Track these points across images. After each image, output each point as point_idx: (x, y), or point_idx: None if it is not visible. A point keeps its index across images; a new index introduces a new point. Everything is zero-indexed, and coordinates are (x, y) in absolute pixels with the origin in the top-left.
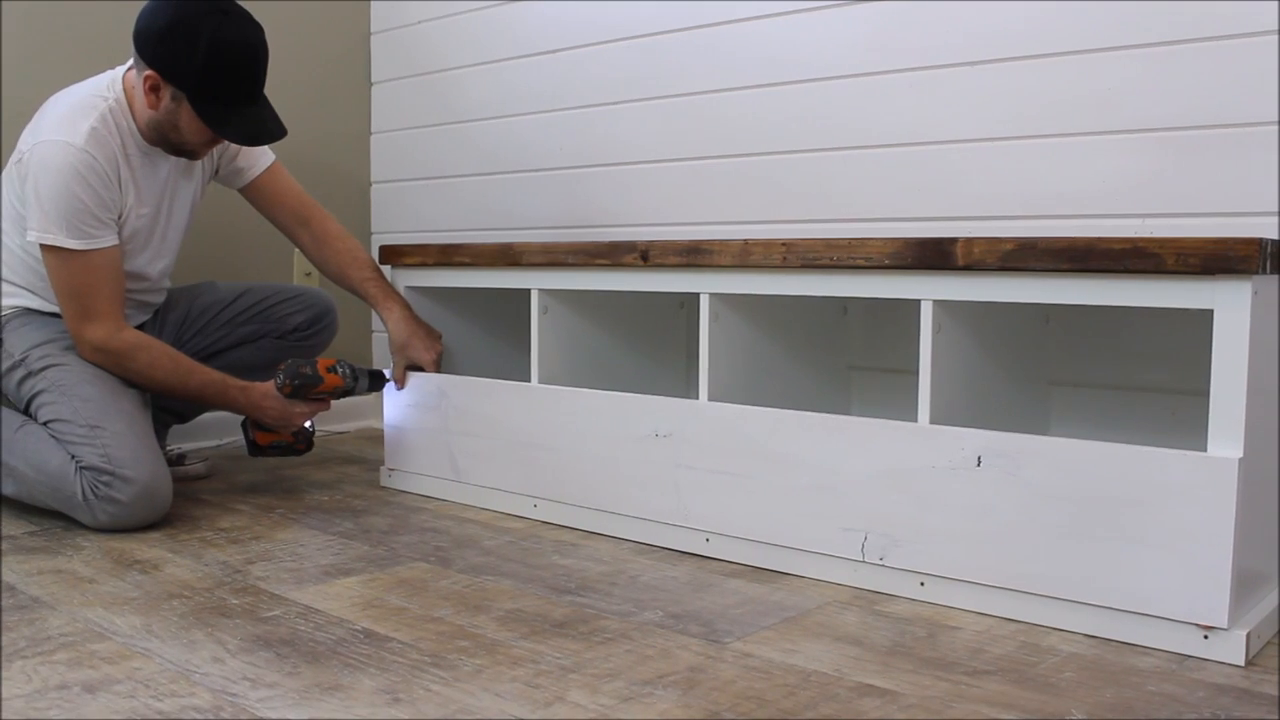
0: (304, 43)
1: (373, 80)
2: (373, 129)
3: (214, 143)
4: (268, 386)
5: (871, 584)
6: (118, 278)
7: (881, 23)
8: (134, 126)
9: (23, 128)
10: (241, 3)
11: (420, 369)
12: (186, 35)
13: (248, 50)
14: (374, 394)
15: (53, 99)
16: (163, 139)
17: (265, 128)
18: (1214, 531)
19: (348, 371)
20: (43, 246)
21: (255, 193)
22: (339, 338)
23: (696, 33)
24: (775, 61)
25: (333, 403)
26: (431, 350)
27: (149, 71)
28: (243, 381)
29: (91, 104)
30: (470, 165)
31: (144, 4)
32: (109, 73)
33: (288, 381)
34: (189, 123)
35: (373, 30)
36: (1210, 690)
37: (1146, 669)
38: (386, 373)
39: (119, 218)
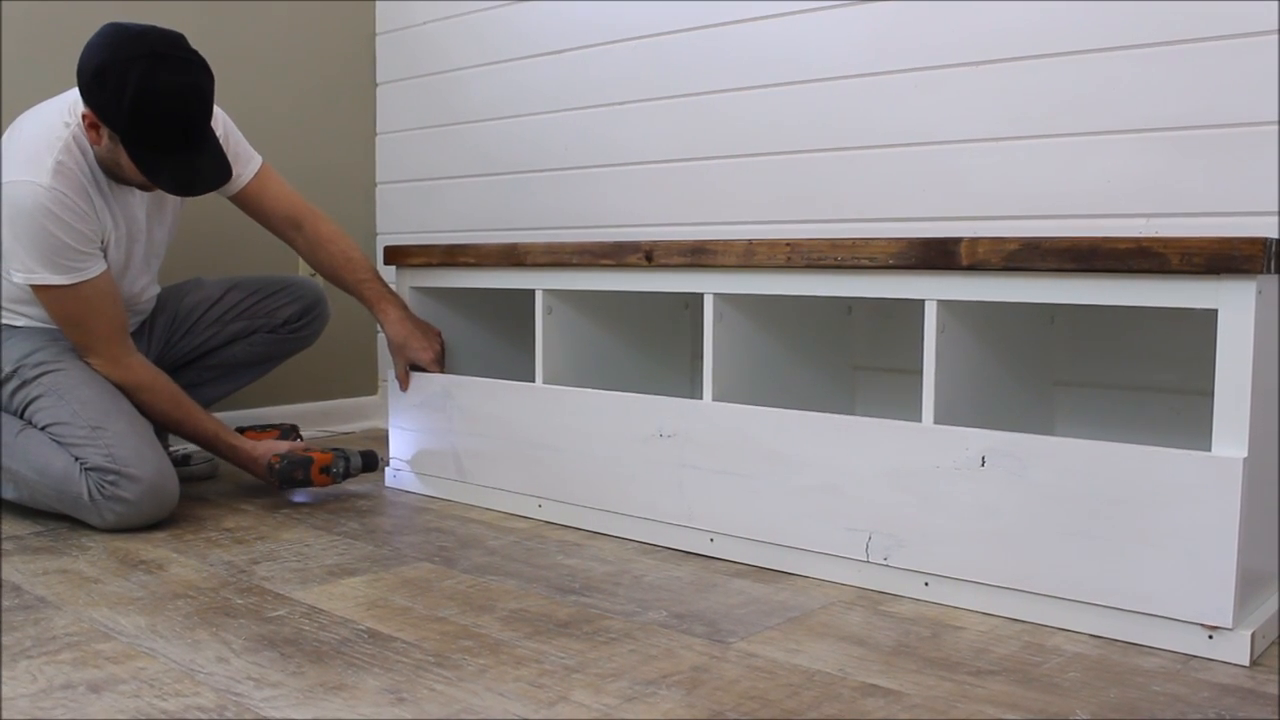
0: (309, 44)
1: (378, 81)
2: (378, 129)
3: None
4: (257, 454)
5: (876, 584)
6: (113, 304)
7: (886, 23)
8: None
9: None
10: (249, 4)
11: (421, 368)
12: (115, 81)
13: (178, 97)
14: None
15: (16, 125)
16: (111, 174)
17: (200, 176)
18: (1219, 531)
19: (341, 471)
20: (32, 286)
21: (245, 200)
22: (343, 335)
23: (700, 33)
24: (779, 62)
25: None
26: (429, 349)
27: (85, 110)
28: (234, 439)
29: (55, 134)
30: (475, 166)
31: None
32: (72, 93)
33: (277, 481)
34: (129, 163)
35: (378, 31)
36: (1215, 690)
37: (1151, 669)
38: (385, 454)
39: (101, 244)
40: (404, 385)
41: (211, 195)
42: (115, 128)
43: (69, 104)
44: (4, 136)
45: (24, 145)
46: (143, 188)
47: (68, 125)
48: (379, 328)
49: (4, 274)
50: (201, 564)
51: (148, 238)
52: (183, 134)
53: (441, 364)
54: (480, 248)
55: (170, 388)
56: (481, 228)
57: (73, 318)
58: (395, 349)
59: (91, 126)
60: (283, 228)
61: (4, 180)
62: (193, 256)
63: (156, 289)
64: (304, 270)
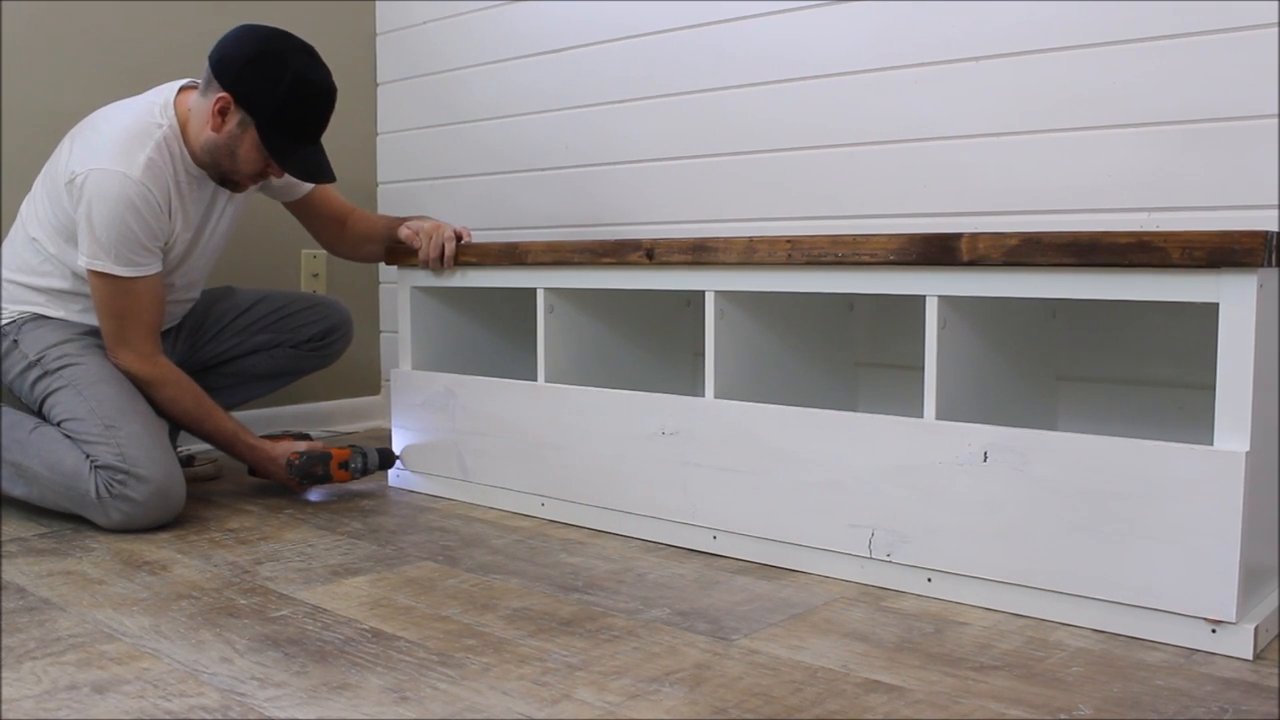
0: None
1: (379, 81)
2: (378, 129)
3: (260, 178)
4: (276, 454)
5: (878, 580)
6: (157, 304)
7: (885, 19)
8: (185, 152)
9: (22, 128)
10: (250, 4)
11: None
12: (274, 66)
13: (325, 92)
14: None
15: (102, 116)
16: (214, 164)
17: (321, 168)
18: (1221, 525)
19: (359, 466)
20: (90, 270)
21: (309, 203)
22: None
23: (700, 30)
24: (779, 59)
25: (339, 403)
26: (426, 221)
27: (223, 94)
28: (253, 439)
29: (147, 132)
30: (475, 165)
31: (226, 30)
32: (160, 93)
33: (296, 478)
34: (248, 151)
35: (378, 31)
36: (1218, 684)
37: (1154, 663)
38: (397, 452)
39: (165, 245)
40: (433, 260)
41: (268, 202)
42: (259, 112)
43: (160, 105)
44: (87, 127)
45: (117, 137)
46: (234, 184)
47: (160, 126)
48: (384, 326)
49: (45, 258)
50: (205, 564)
51: (208, 241)
52: (317, 127)
53: (442, 258)
54: (481, 247)
55: (193, 386)
56: (482, 227)
57: (117, 310)
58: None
59: (220, 112)
60: (332, 224)
61: (94, 167)
62: (220, 266)
63: (198, 294)
64: (307, 273)
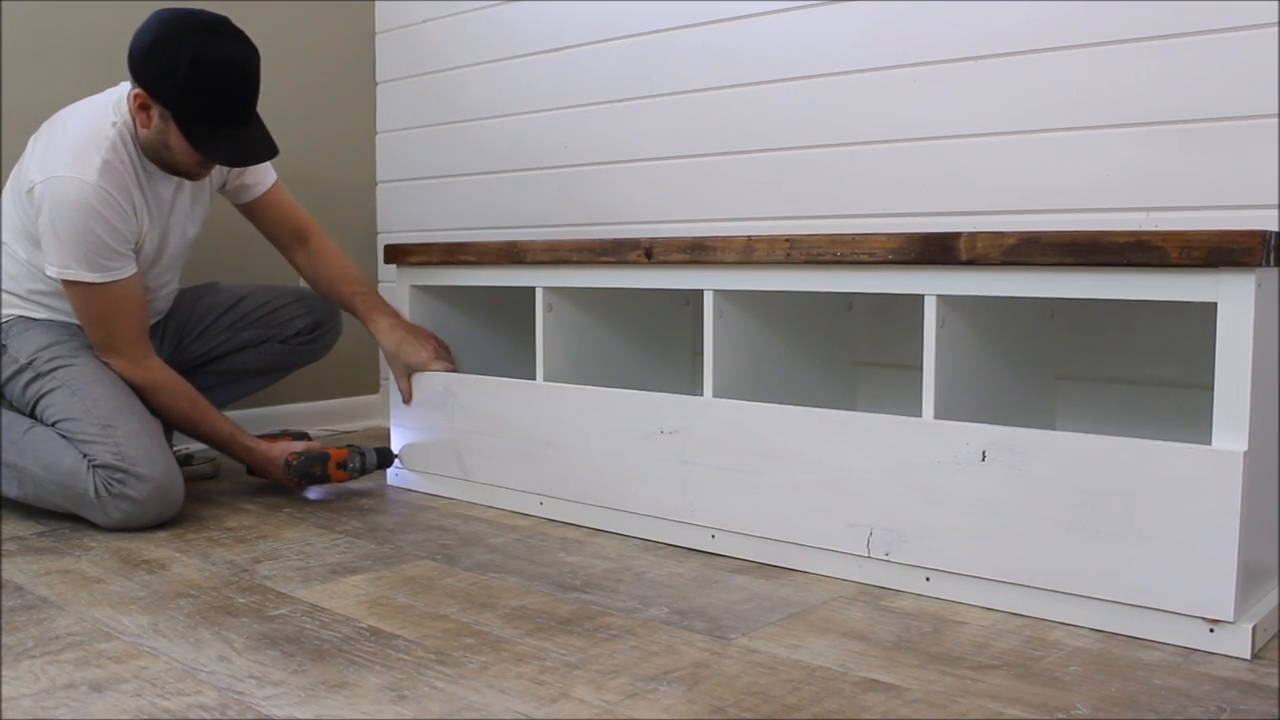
0: (309, 43)
1: (378, 80)
2: (378, 128)
3: (208, 164)
4: (274, 454)
5: (877, 579)
6: (139, 306)
7: (883, 18)
8: (139, 149)
9: (22, 128)
10: (249, 3)
11: (421, 369)
12: (169, 53)
13: (232, 70)
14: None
15: (61, 118)
16: (158, 159)
17: (251, 148)
18: (1219, 525)
19: (357, 466)
20: (63, 281)
21: (258, 209)
22: (345, 334)
23: (698, 30)
24: (777, 58)
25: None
26: (424, 349)
27: (137, 90)
28: (250, 441)
29: (101, 133)
30: (474, 164)
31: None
32: (117, 90)
33: (295, 478)
34: (177, 142)
35: (377, 30)
36: (1216, 684)
37: (1152, 663)
38: (395, 451)
39: (135, 245)
40: (406, 396)
41: (229, 204)
42: (168, 102)
43: (114, 102)
44: (46, 130)
45: (71, 142)
46: (187, 175)
47: (114, 125)
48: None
49: (16, 262)
50: (204, 563)
51: (179, 237)
52: (234, 106)
53: (448, 359)
54: (480, 246)
55: (187, 389)
56: (482, 225)
57: (98, 316)
58: (390, 356)
59: (142, 108)
60: (288, 239)
61: (50, 175)
62: (205, 262)
63: (177, 287)
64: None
